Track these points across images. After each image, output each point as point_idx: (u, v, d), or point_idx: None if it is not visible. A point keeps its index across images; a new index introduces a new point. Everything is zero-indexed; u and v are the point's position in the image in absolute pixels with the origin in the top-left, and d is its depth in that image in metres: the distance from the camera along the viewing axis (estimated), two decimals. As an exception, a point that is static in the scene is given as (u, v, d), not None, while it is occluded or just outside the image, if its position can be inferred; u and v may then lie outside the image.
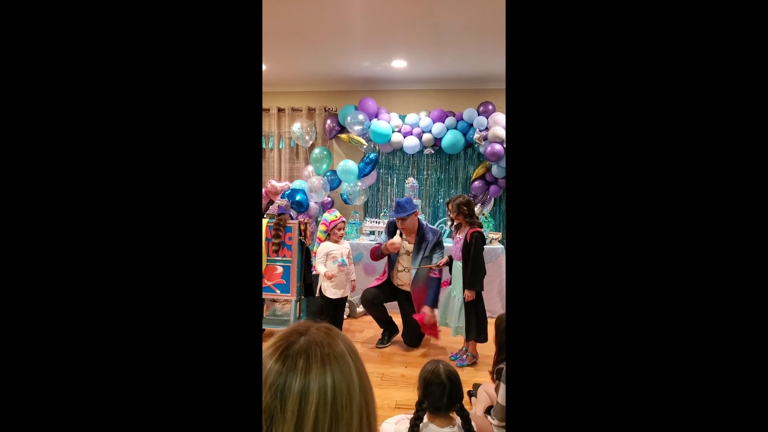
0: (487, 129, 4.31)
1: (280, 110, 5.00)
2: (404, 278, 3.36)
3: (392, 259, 3.38)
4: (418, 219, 3.36)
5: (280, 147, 5.02)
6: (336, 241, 3.32)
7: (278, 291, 3.41)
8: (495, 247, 4.12)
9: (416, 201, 4.11)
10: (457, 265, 3.07)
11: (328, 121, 4.78)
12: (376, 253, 3.40)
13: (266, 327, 3.49)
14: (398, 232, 3.32)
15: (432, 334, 3.29)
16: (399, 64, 4.11)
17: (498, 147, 4.20)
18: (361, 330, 3.73)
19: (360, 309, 3.94)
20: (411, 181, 4.49)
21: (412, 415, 1.55)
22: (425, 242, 3.27)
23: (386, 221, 3.80)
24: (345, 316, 3.70)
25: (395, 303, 3.42)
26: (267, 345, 0.60)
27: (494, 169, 4.38)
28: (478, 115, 4.40)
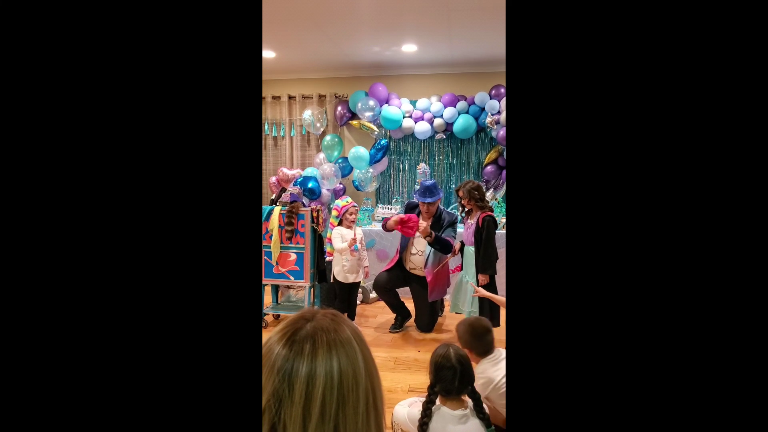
0: (499, 113, 4.26)
1: (290, 98, 4.99)
2: (417, 261, 3.36)
3: (405, 242, 3.39)
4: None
5: (292, 135, 5.03)
6: (348, 227, 3.34)
7: (292, 277, 3.45)
8: (508, 232, 4.09)
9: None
10: (469, 250, 3.06)
11: (339, 108, 4.77)
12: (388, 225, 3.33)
13: (281, 313, 3.54)
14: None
15: (406, 231, 3.18)
16: (409, 48, 4.06)
17: (510, 131, 4.14)
18: (374, 315, 3.77)
19: (373, 295, 3.97)
20: (423, 166, 4.47)
21: (424, 398, 1.58)
22: (440, 222, 3.25)
23: (404, 204, 3.76)
24: (358, 302, 3.74)
25: (407, 289, 3.44)
26: (275, 331, 0.61)
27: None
28: (490, 98, 4.34)
